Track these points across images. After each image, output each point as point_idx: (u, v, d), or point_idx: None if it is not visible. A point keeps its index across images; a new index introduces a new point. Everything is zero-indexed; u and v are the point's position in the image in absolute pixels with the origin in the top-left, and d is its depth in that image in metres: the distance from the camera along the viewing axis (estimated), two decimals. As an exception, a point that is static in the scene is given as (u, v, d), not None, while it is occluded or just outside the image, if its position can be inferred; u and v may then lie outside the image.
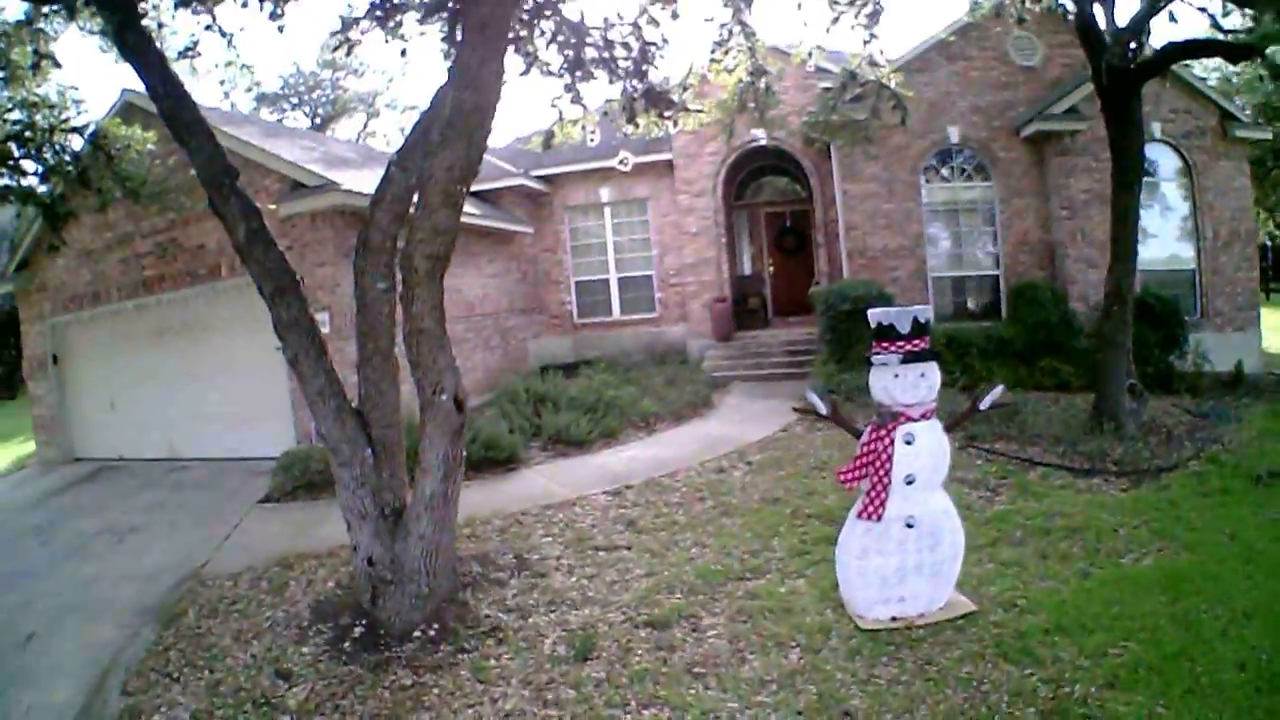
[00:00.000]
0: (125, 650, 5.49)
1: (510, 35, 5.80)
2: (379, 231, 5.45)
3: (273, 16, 6.27)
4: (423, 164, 5.33)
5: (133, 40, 5.54)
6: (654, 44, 6.88)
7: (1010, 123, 13.54)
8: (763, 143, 15.19)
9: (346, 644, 5.10)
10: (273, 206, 9.74)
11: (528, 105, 65.23)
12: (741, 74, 8.40)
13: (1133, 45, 8.62)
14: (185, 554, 7.33)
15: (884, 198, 13.72)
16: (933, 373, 4.73)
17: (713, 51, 8.13)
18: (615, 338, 17.03)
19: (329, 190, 9.88)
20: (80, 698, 4.94)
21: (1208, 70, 20.80)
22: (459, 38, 5.86)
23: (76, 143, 8.59)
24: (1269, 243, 29.53)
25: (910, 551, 4.83)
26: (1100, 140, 11.28)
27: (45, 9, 7.19)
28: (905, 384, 4.67)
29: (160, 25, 6.94)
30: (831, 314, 12.17)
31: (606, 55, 6.81)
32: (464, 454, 5.53)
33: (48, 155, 8.33)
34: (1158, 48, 8.92)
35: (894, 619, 4.82)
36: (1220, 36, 9.10)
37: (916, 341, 4.68)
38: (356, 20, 6.44)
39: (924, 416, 4.76)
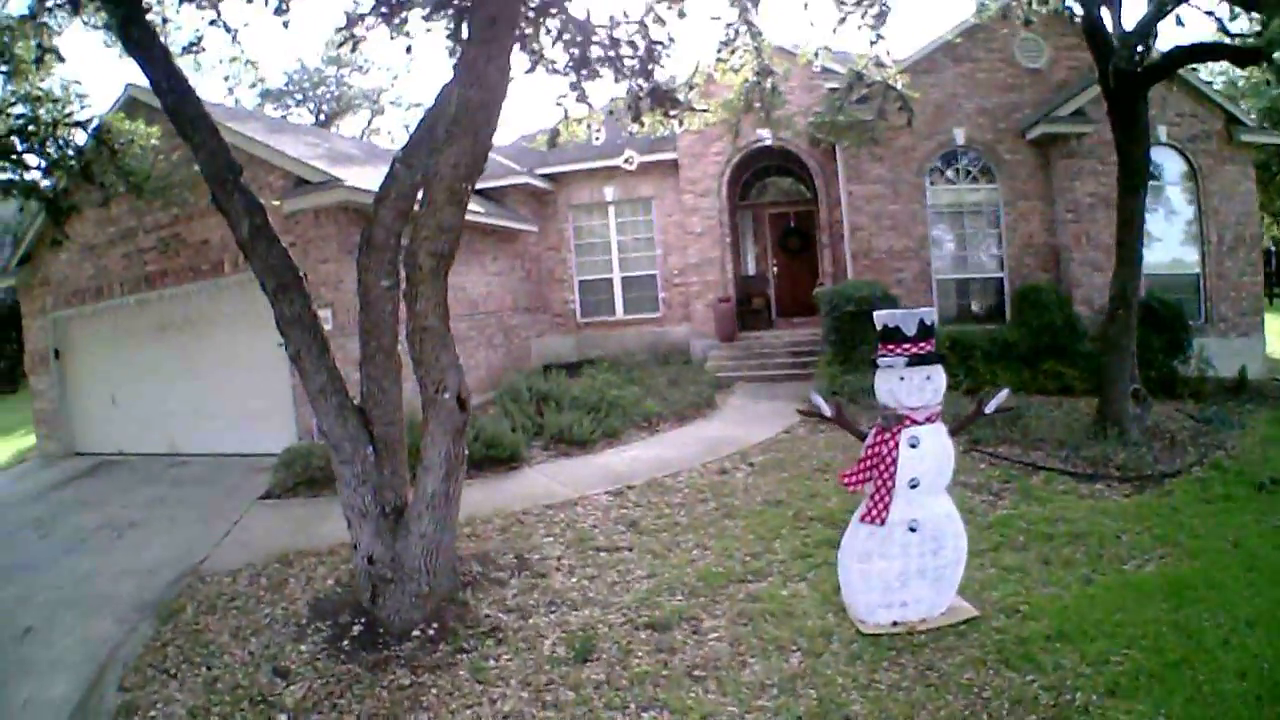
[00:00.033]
0: (123, 645, 5.47)
1: (516, 32, 5.77)
2: (383, 228, 5.43)
3: (277, 12, 6.27)
4: (428, 161, 5.31)
5: (137, 35, 5.52)
6: (660, 43, 6.85)
7: (1016, 125, 13.51)
8: (768, 143, 15.16)
9: (345, 642, 5.08)
10: (276, 203, 9.73)
11: (533, 103, 65.32)
12: (748, 74, 8.38)
13: (1140, 48, 8.59)
14: (185, 550, 7.32)
15: (889, 199, 13.69)
16: (938, 376, 4.71)
17: (719, 51, 8.11)
18: (619, 337, 17.01)
19: (333, 187, 9.86)
20: (77, 692, 4.92)
21: (1214, 74, 20.79)
22: (465, 34, 5.84)
23: (80, 137, 8.60)
24: (1273, 248, 29.48)
25: (913, 556, 4.81)
26: (1106, 143, 11.25)
27: (49, 3, 7.18)
28: (910, 387, 4.65)
29: (164, 20, 6.94)
30: (835, 315, 12.15)
31: (612, 54, 6.78)
32: (466, 453, 5.51)
33: (51, 150, 8.33)
34: (1165, 51, 8.89)
35: (895, 624, 4.80)
36: (1227, 40, 9.06)
37: (922, 344, 4.66)
38: (362, 16, 6.41)
39: (929, 420, 4.74)
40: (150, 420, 12.15)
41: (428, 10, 6.45)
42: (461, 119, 5.01)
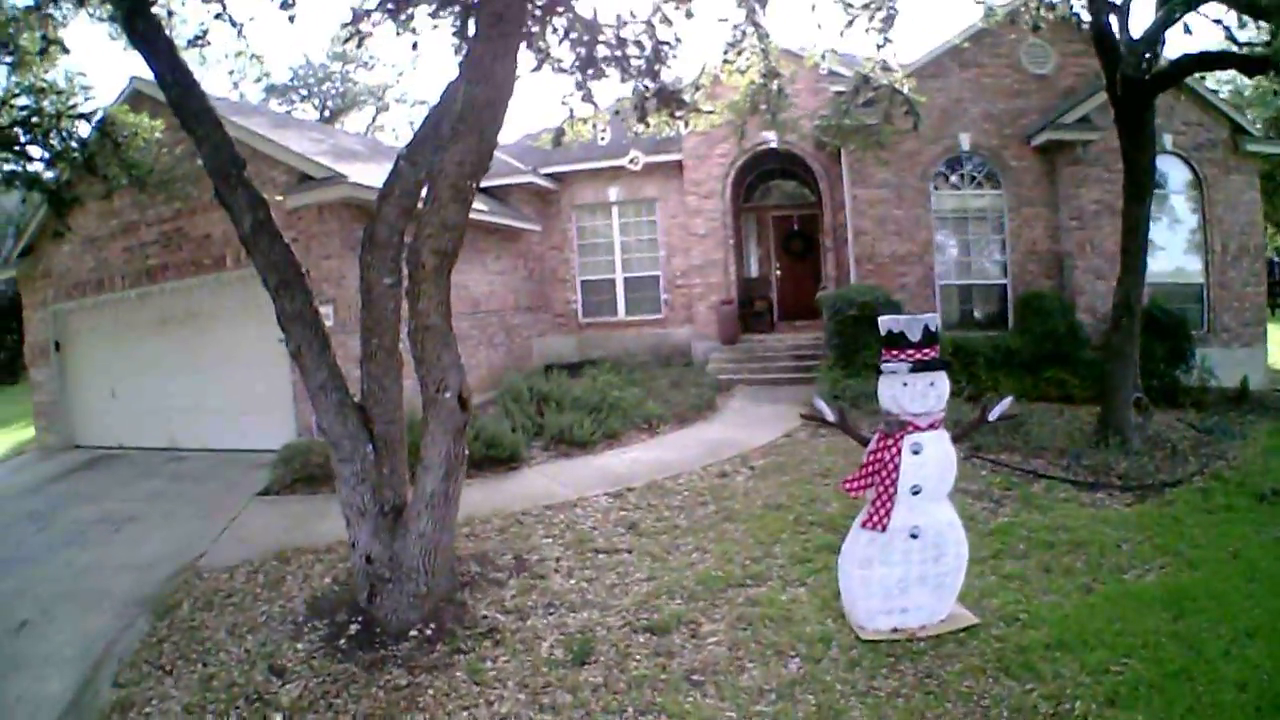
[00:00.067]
0: (119, 641, 5.45)
1: (523, 30, 5.75)
2: (386, 226, 5.41)
3: (283, 6, 6.24)
4: (432, 158, 5.29)
5: (142, 27, 5.51)
6: (667, 43, 6.83)
7: (1021, 131, 13.49)
8: (773, 145, 15.12)
9: (342, 641, 5.06)
10: (279, 198, 9.71)
11: (538, 102, 65.34)
12: (754, 76, 8.36)
13: (1147, 56, 8.57)
14: (182, 545, 7.30)
15: (893, 203, 13.67)
16: (942, 382, 4.69)
17: (725, 52, 8.09)
18: (620, 338, 17.00)
19: (337, 183, 9.85)
20: (72, 688, 4.90)
21: (1219, 83, 20.73)
22: (472, 31, 5.81)
23: (83, 129, 8.56)
24: (1277, 258, 29.42)
25: (914, 562, 4.78)
26: (1112, 151, 11.23)
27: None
28: (914, 393, 4.62)
29: (170, 13, 6.92)
30: (838, 319, 12.13)
31: (619, 53, 6.76)
32: (466, 452, 5.49)
33: (54, 141, 8.30)
34: (1173, 59, 8.87)
35: (895, 630, 4.78)
36: (1235, 49, 9.04)
37: (926, 350, 4.63)
38: (368, 12, 6.40)
39: (932, 426, 4.72)
40: (150, 414, 12.14)
41: (434, 7, 6.44)
42: (467, 116, 4.99)
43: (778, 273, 18.05)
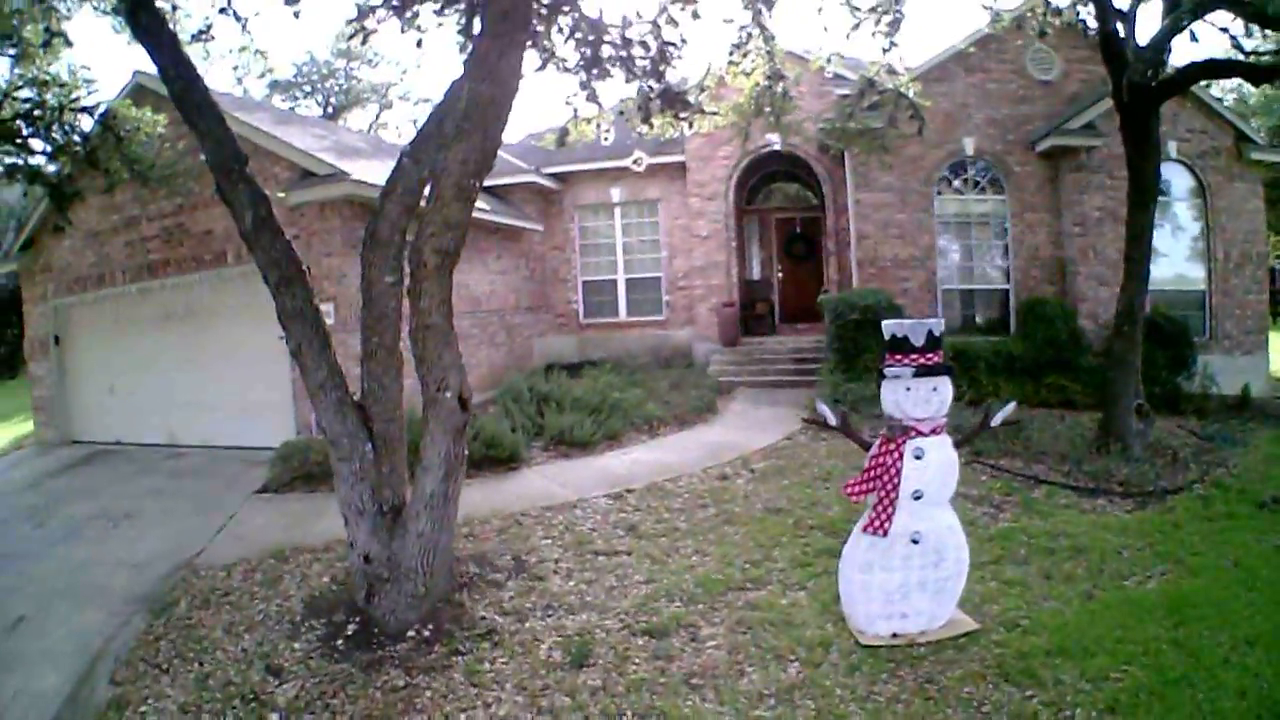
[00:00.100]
0: (115, 638, 5.43)
1: (529, 29, 5.73)
2: (388, 223, 5.39)
3: (288, 2, 6.22)
4: (436, 156, 5.27)
5: (146, 21, 5.49)
6: (672, 44, 6.80)
7: (1026, 136, 13.47)
8: (777, 148, 15.12)
9: (339, 641, 5.04)
10: (281, 194, 9.68)
11: (541, 101, 65.32)
12: (759, 78, 8.34)
13: (1154, 63, 8.55)
14: (179, 542, 7.27)
15: (897, 208, 13.66)
16: (945, 388, 4.67)
17: (731, 54, 8.07)
18: (621, 339, 16.98)
19: (339, 180, 9.83)
20: (68, 685, 4.88)
21: (1224, 91, 20.77)
22: (477, 29, 5.80)
23: (86, 123, 8.56)
24: (1279, 267, 29.42)
25: (914, 567, 4.77)
26: (1115, 157, 11.22)
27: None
28: (917, 398, 4.60)
29: (174, 7, 6.92)
30: (840, 322, 12.10)
31: (624, 53, 6.74)
32: (466, 452, 5.47)
33: (56, 134, 8.30)
34: (1180, 66, 8.85)
35: (895, 635, 4.76)
36: (1241, 57, 9.02)
37: (930, 355, 4.62)
38: (373, 9, 6.38)
39: (934, 431, 4.69)
40: (149, 410, 12.11)
41: (439, 4, 6.42)
42: (472, 114, 4.97)
43: (779, 275, 18.03)
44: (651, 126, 7.65)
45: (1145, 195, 8.97)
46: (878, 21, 7.77)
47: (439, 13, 6.48)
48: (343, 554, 6.19)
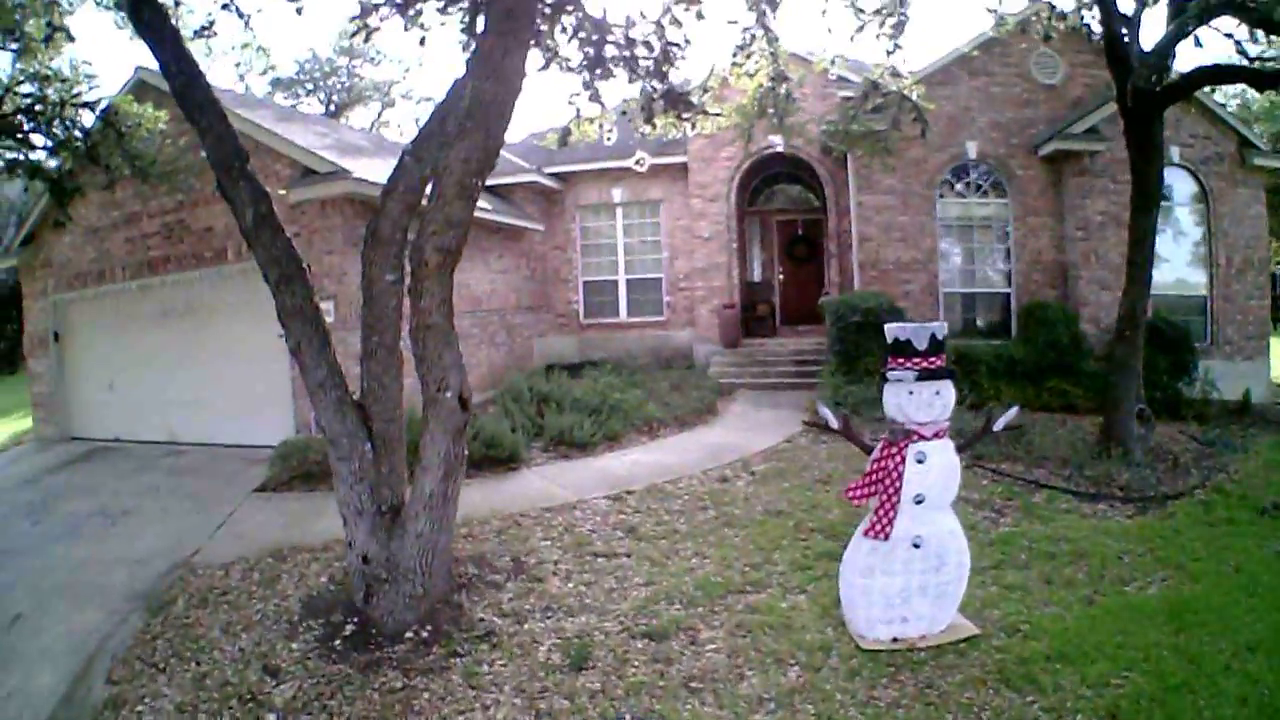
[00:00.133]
0: (112, 637, 5.41)
1: (533, 28, 5.71)
2: (389, 221, 5.37)
3: (291, -2, 6.21)
4: (438, 154, 5.25)
5: (148, 16, 5.47)
6: (676, 44, 6.79)
7: (1029, 140, 13.45)
8: (779, 149, 15.10)
9: (337, 642, 5.01)
10: (282, 192, 9.65)
11: (543, 101, 65.29)
12: (762, 79, 8.33)
13: (1158, 68, 8.54)
14: (177, 540, 7.25)
15: (899, 210, 13.64)
16: (948, 391, 4.65)
17: (734, 55, 8.06)
18: (621, 339, 16.96)
19: (340, 178, 9.80)
20: (64, 684, 4.86)
21: (1227, 97, 20.75)
22: (480, 28, 5.78)
23: (87, 118, 8.53)
24: (1280, 272, 29.42)
25: (915, 572, 4.75)
26: (1118, 162, 11.20)
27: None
28: (920, 402, 4.59)
29: (176, 3, 6.90)
30: (841, 325, 12.08)
31: (628, 54, 6.72)
32: (466, 453, 5.44)
33: (57, 129, 8.27)
34: (1185, 72, 8.84)
35: (895, 640, 4.75)
36: (1245, 63, 9.01)
37: (933, 359, 4.60)
38: (376, 6, 6.36)
39: (936, 435, 4.68)
40: (148, 407, 12.08)
41: (443, 2, 6.40)
42: (475, 112, 4.95)
43: (780, 277, 18.01)
44: (654, 127, 7.64)
45: (1148, 200, 8.96)
46: (882, 24, 7.77)
47: (442, 10, 6.46)
48: (341, 554, 6.15)
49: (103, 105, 8.61)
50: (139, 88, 10.58)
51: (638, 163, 9.61)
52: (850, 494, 4.84)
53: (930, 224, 13.67)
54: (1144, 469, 8.40)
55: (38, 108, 8.08)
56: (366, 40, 6.86)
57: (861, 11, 7.71)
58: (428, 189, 5.30)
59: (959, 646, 4.66)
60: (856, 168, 13.76)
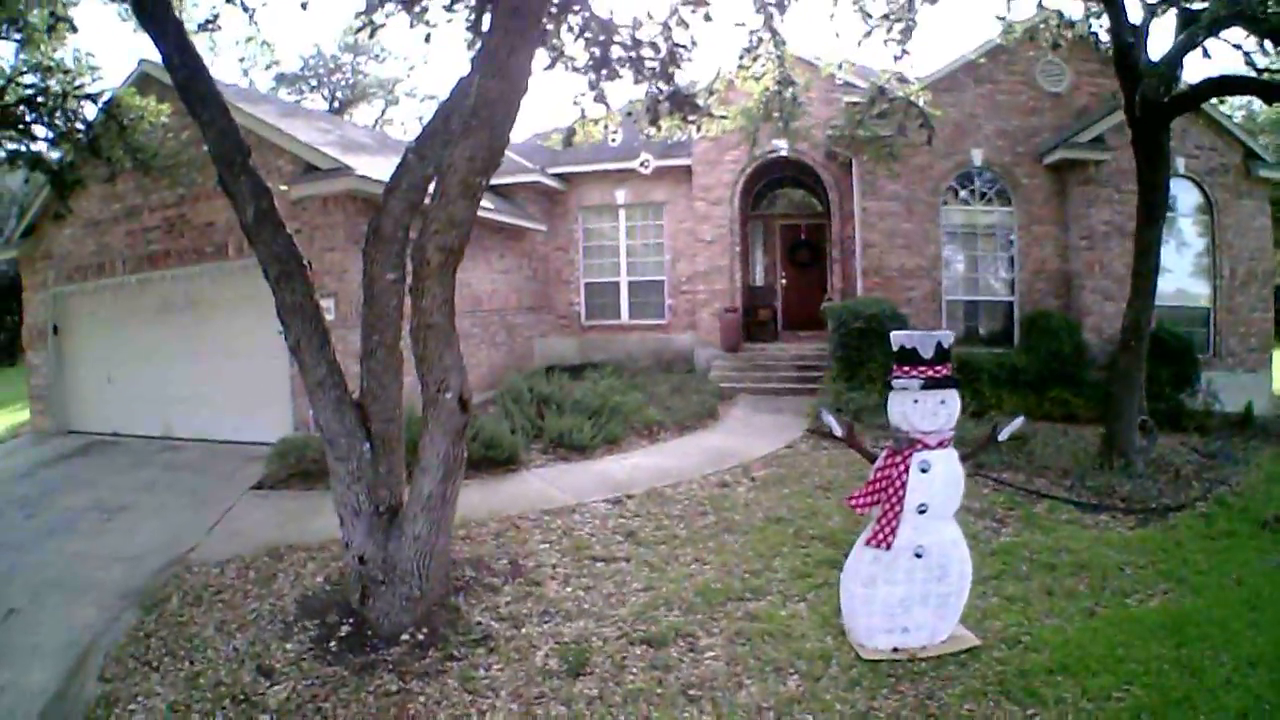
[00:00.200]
0: (106, 633, 5.37)
1: (539, 26, 5.68)
2: (391, 220, 5.34)
3: (296, -6, 6.17)
4: (441, 153, 5.21)
5: (151, 8, 5.44)
6: (682, 46, 6.76)
7: (1034, 149, 13.41)
8: (784, 153, 15.07)
9: (332, 643, 4.97)
10: (284, 188, 9.61)
11: (548, 101, 65.28)
12: (768, 82, 8.30)
13: (1167, 78, 8.51)
14: (173, 537, 7.20)
15: (903, 217, 13.59)
16: (953, 401, 4.62)
17: (741, 58, 8.03)
18: (622, 341, 16.92)
19: (343, 174, 9.76)
20: (56, 681, 4.81)
21: (1233, 108, 20.73)
22: (486, 25, 5.74)
23: (89, 110, 8.51)
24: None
25: (917, 582, 4.72)
26: (1124, 172, 11.16)
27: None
28: (924, 410, 4.55)
29: (182, -4, 6.85)
30: (843, 331, 12.03)
31: (634, 55, 6.69)
32: (465, 454, 5.40)
33: (59, 121, 8.24)
34: (1193, 83, 8.81)
35: (896, 650, 4.72)
36: (1254, 74, 8.98)
37: (939, 368, 4.56)
38: (382, 2, 6.33)
39: (941, 444, 4.64)
40: (146, 402, 12.03)
41: None
42: (480, 111, 4.91)
43: (783, 282, 17.97)
44: (659, 129, 7.60)
45: (1155, 211, 8.93)
46: (890, 29, 7.74)
47: (448, 8, 6.44)
48: (337, 554, 6.10)
49: (105, 97, 8.58)
50: (142, 80, 10.55)
51: (642, 165, 9.60)
52: (853, 502, 4.80)
53: (934, 231, 13.62)
54: (1146, 480, 8.37)
55: (40, 99, 8.05)
56: (371, 36, 6.84)
57: (869, 16, 7.68)
58: (431, 187, 5.27)
59: (960, 657, 4.63)
60: (861, 173, 13.73)
